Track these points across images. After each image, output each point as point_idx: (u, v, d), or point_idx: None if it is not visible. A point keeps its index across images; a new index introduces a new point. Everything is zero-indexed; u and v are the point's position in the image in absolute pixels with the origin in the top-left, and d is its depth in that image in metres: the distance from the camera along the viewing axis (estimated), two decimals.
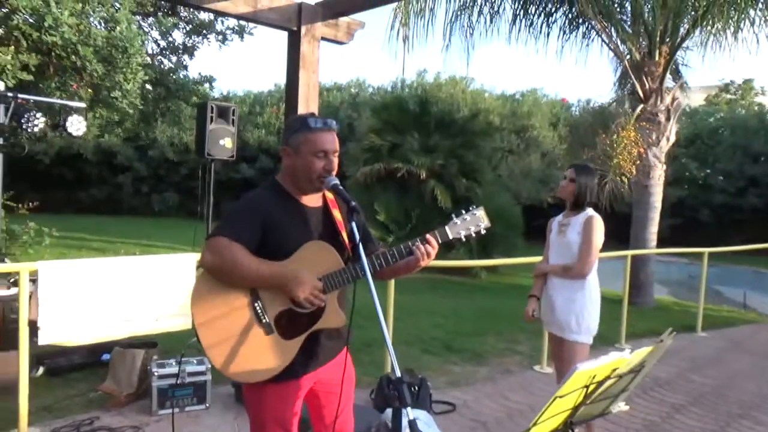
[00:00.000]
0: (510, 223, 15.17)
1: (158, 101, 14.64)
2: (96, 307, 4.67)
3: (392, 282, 5.34)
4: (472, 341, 7.76)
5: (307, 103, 6.27)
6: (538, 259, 4.76)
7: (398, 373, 2.18)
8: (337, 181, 2.68)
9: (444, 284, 13.81)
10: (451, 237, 2.74)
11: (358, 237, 2.55)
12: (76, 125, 6.23)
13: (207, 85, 14.91)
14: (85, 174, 26.52)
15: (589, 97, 39.39)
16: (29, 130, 5.80)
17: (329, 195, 2.85)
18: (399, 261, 2.68)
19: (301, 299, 2.58)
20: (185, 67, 14.93)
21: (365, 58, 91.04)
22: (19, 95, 5.88)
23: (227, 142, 6.82)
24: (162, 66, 14.85)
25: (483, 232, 2.77)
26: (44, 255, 10.48)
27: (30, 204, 9.66)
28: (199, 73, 16.31)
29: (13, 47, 10.04)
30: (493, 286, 14.24)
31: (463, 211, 2.78)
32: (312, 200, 2.78)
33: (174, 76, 14.52)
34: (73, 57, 10.44)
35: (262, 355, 2.60)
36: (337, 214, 2.82)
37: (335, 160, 2.70)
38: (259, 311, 2.61)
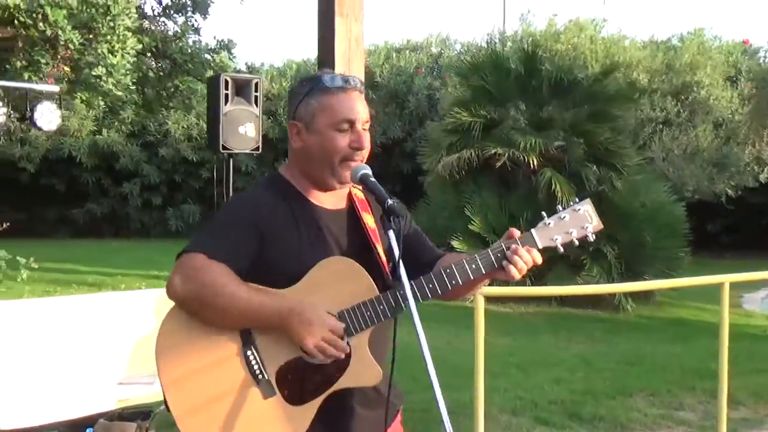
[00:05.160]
0: (669, 229, 11.61)
1: (162, 79, 12.09)
2: (75, 366, 4.09)
3: (481, 316, 4.13)
4: (610, 405, 6.47)
5: (348, 66, 4.99)
6: (716, 279, 4.36)
7: None
8: (369, 171, 2.09)
9: (569, 321, 10.52)
10: (540, 246, 2.14)
11: (397, 253, 1.98)
12: (47, 116, 5.69)
13: (225, 53, 12.49)
14: (79, 183, 20.85)
15: None
16: None
17: (357, 193, 2.24)
18: (483, 276, 2.13)
19: (310, 347, 1.98)
20: (196, 31, 12.27)
21: (450, 5, 66.20)
22: None
23: (249, 129, 5.93)
24: (165, 30, 12.23)
25: (591, 238, 2.17)
26: (23, 293, 9.51)
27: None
28: (215, 38, 13.53)
29: None
30: (643, 322, 10.93)
31: (560, 208, 2.15)
32: (331, 200, 2.19)
33: (180, 44, 11.84)
34: (41, 24, 9.06)
35: (259, 428, 2.03)
36: (368, 220, 2.21)
37: (366, 135, 2.12)
38: (254, 363, 2.04)
